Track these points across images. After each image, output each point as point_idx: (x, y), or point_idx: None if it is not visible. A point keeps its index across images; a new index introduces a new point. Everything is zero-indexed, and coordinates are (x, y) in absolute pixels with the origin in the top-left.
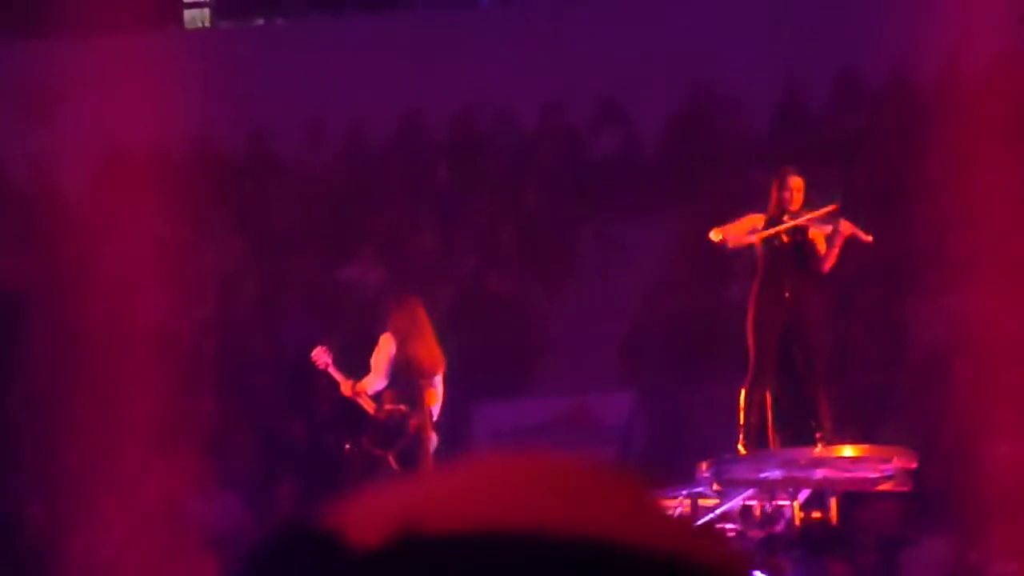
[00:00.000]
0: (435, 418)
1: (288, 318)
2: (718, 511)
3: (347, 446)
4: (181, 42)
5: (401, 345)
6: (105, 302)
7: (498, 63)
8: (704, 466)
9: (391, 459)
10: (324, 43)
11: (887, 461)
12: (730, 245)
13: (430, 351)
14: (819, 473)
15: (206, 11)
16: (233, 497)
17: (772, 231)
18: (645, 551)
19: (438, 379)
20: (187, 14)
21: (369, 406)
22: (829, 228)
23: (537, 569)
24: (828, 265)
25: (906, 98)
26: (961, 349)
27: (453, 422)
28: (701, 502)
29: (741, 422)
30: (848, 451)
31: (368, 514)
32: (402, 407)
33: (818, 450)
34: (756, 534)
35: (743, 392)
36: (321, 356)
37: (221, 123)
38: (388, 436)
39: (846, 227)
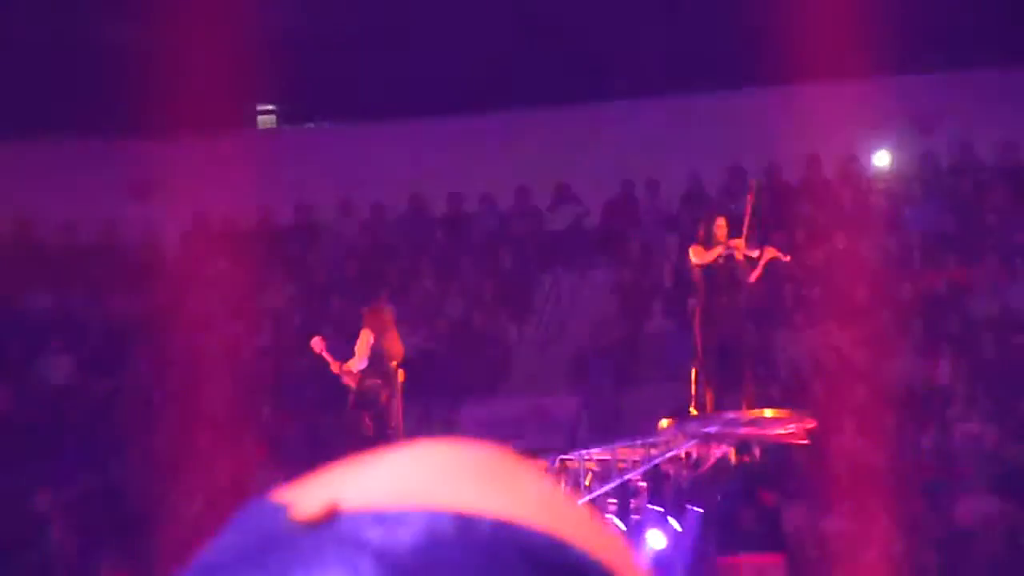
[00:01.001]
0: (400, 390)
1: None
2: (665, 456)
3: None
4: (252, 140)
5: (377, 338)
6: (191, 332)
7: (482, 161)
8: (667, 422)
9: (367, 419)
10: (355, 142)
11: (793, 421)
12: (697, 262)
13: (396, 344)
14: (746, 429)
15: (273, 116)
16: (284, 476)
17: (718, 252)
18: (536, 533)
19: (396, 364)
20: (259, 119)
21: (351, 380)
22: (756, 252)
23: (433, 539)
24: (755, 278)
25: (778, 187)
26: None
27: (447, 416)
28: (652, 451)
29: (692, 392)
30: (768, 413)
31: (308, 494)
32: (377, 381)
33: (748, 413)
34: (688, 474)
35: (693, 371)
36: (318, 343)
37: (278, 200)
38: (366, 402)
39: (770, 251)
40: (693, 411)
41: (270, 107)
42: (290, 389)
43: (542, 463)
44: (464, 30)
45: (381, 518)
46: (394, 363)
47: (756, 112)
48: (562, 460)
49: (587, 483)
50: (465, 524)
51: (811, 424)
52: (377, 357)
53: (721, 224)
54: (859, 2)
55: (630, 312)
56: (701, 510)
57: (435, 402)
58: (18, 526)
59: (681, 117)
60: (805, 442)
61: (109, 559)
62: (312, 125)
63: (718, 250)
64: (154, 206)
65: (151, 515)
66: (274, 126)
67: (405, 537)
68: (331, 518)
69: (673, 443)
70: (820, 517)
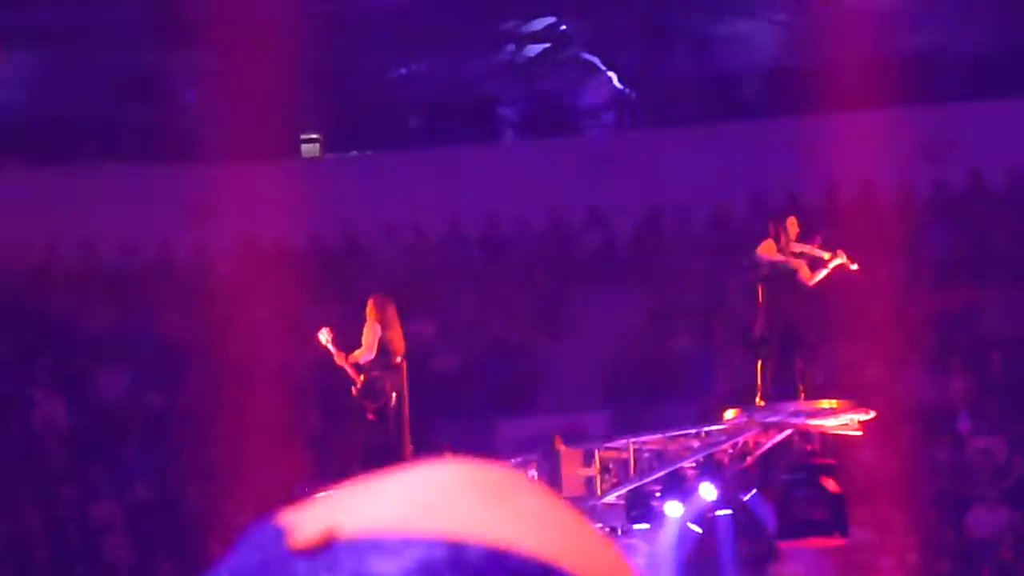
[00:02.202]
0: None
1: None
2: (722, 444)
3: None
4: (297, 168)
5: (384, 331)
6: (243, 346)
7: (517, 186)
8: (734, 412)
9: (371, 412)
10: (395, 169)
11: (851, 412)
12: (767, 258)
13: (400, 337)
14: (807, 419)
15: (317, 145)
16: (333, 483)
17: (790, 251)
18: (527, 560)
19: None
20: (303, 147)
21: (353, 374)
22: (828, 254)
23: (426, 568)
24: (815, 283)
25: (796, 214)
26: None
27: (484, 432)
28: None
29: (759, 384)
30: (828, 404)
31: (309, 519)
32: (382, 373)
33: (810, 403)
34: (745, 462)
35: (759, 364)
36: (325, 334)
37: (323, 224)
38: (371, 393)
39: (840, 254)
40: (760, 401)
41: (315, 136)
42: (336, 400)
43: (579, 452)
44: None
45: (376, 546)
46: (399, 357)
47: (779, 141)
48: (607, 448)
49: (634, 471)
50: (457, 552)
51: (869, 415)
52: (383, 349)
53: (793, 222)
54: (876, 37)
55: (657, 330)
56: (755, 495)
57: (472, 418)
58: (77, 536)
59: (707, 145)
60: (859, 433)
61: (165, 568)
62: (355, 153)
63: (791, 248)
64: (207, 229)
65: (205, 525)
66: (318, 155)
67: (399, 566)
68: (328, 545)
69: (734, 431)
70: None
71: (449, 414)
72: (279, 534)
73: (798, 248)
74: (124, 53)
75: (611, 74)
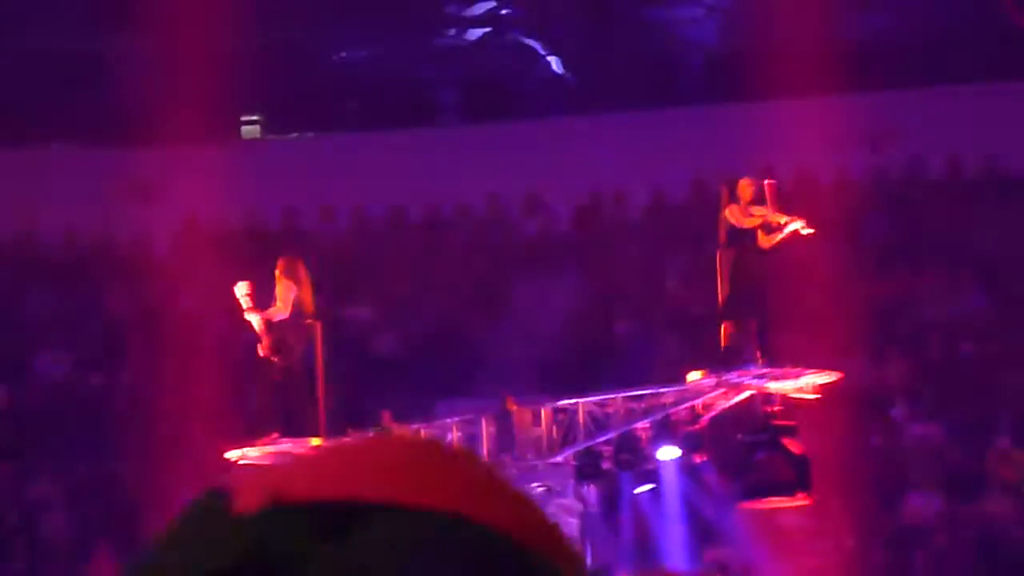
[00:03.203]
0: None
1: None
2: (681, 406)
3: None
4: (238, 150)
5: (297, 289)
6: (182, 326)
7: (458, 170)
8: (699, 374)
9: (279, 369)
10: (335, 152)
11: (815, 376)
12: (732, 222)
13: (310, 297)
14: (769, 381)
15: (258, 127)
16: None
17: (754, 215)
18: (461, 517)
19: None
20: (243, 129)
21: (261, 332)
22: (785, 219)
23: (368, 533)
24: (771, 246)
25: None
26: None
27: (425, 411)
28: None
29: (722, 346)
30: (788, 368)
31: (251, 485)
32: (290, 332)
33: (773, 366)
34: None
35: (721, 327)
36: (243, 287)
37: (264, 205)
38: (282, 351)
39: (796, 220)
40: (723, 363)
41: (256, 118)
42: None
43: (529, 411)
44: (432, 45)
45: (315, 509)
46: (309, 317)
47: (718, 127)
48: (556, 409)
49: (584, 431)
50: (396, 514)
51: (834, 378)
52: (296, 309)
53: (744, 184)
54: (815, 24)
55: (595, 315)
56: (705, 459)
57: (410, 401)
58: (16, 514)
59: (646, 130)
60: (815, 396)
61: (102, 546)
62: (296, 135)
63: (755, 212)
64: (149, 211)
65: (144, 504)
66: (259, 136)
67: (337, 526)
68: (270, 508)
69: (694, 393)
70: (775, 511)
71: (387, 397)
72: (224, 498)
73: (756, 211)
74: (65, 36)
75: (551, 59)
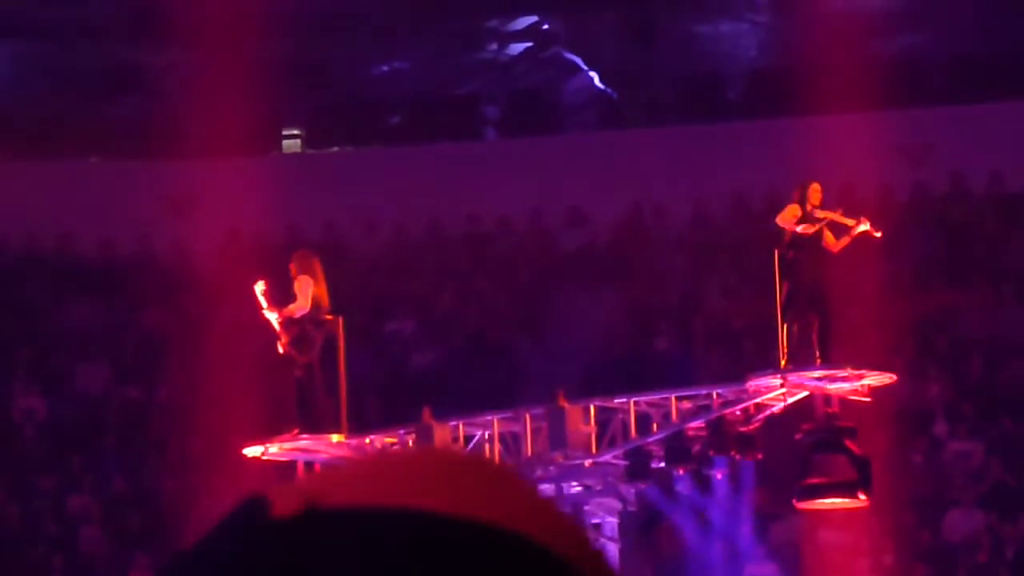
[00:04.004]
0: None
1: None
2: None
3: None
4: (279, 163)
5: (315, 284)
6: (222, 340)
7: (499, 184)
8: (759, 375)
9: (300, 366)
10: (376, 166)
11: (871, 378)
12: (791, 225)
13: (326, 293)
14: (826, 382)
15: (298, 140)
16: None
17: (817, 218)
18: (485, 527)
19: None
20: (284, 143)
21: (280, 329)
22: (852, 221)
23: (404, 540)
24: (840, 249)
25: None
26: None
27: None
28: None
29: (783, 348)
30: (849, 369)
31: (290, 491)
32: (310, 328)
33: (832, 367)
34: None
35: (784, 329)
36: (260, 285)
37: (304, 219)
38: (301, 347)
39: (864, 222)
40: (784, 364)
41: (296, 132)
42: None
43: (580, 409)
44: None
45: (351, 515)
46: (328, 314)
47: (759, 142)
48: (607, 408)
49: (633, 431)
50: (426, 521)
51: (890, 380)
52: (315, 304)
53: (816, 188)
54: (857, 40)
55: (636, 329)
56: (760, 458)
57: (451, 415)
58: (55, 527)
59: (688, 144)
60: (868, 399)
61: (139, 560)
62: (336, 149)
63: (817, 215)
64: (188, 223)
65: (181, 517)
66: (300, 150)
67: (372, 533)
68: (307, 514)
69: (752, 394)
70: (816, 527)
71: (427, 408)
72: (262, 506)
73: (822, 215)
74: (108, 48)
75: (593, 73)
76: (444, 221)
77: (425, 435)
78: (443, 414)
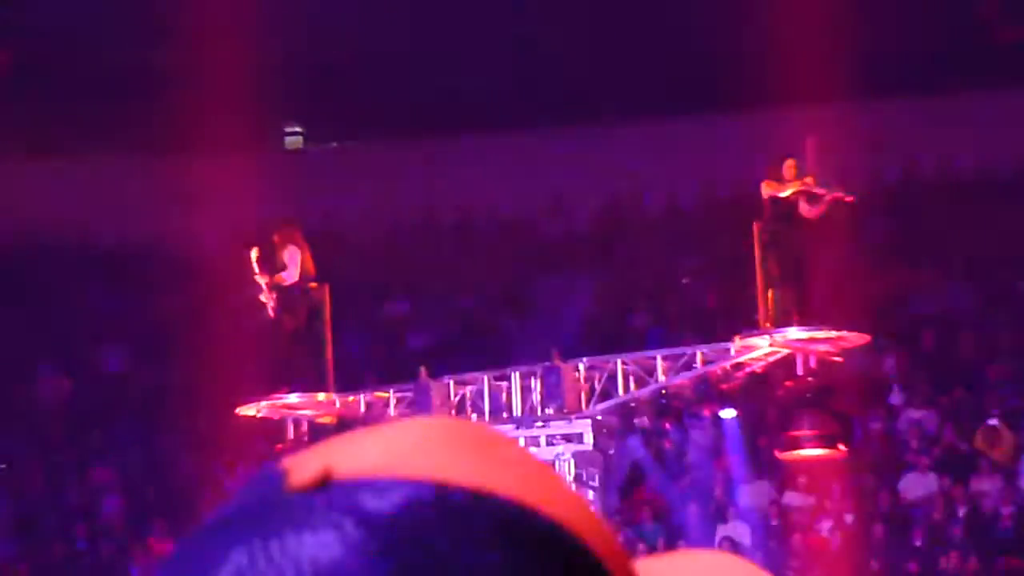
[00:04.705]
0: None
1: (346, 338)
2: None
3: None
4: (281, 158)
5: (300, 253)
6: (229, 323)
7: (486, 176)
8: (738, 338)
9: (289, 330)
10: (372, 160)
11: (848, 340)
12: (769, 194)
13: (311, 261)
14: (805, 343)
15: (300, 137)
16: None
17: (792, 187)
18: (507, 502)
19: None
20: (287, 139)
21: (268, 295)
22: (824, 190)
23: (414, 507)
24: (818, 213)
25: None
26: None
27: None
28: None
29: (768, 311)
30: (825, 332)
31: (307, 461)
32: (298, 295)
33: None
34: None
35: (768, 293)
36: (254, 252)
37: (305, 210)
38: (290, 311)
39: (837, 190)
40: (767, 325)
41: (298, 129)
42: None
43: (573, 367)
44: (474, 58)
45: (368, 485)
46: (313, 282)
47: (726, 135)
48: (597, 367)
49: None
50: (443, 493)
51: (863, 341)
52: (302, 273)
53: (790, 164)
54: (818, 41)
55: (613, 312)
56: (739, 415)
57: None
58: (77, 497)
59: (660, 139)
60: (840, 359)
61: (156, 527)
62: (335, 145)
63: (793, 185)
64: (197, 215)
65: (195, 487)
66: (301, 146)
67: (388, 503)
68: (324, 484)
69: (739, 352)
70: (782, 490)
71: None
72: (279, 476)
73: (800, 185)
74: (124, 52)
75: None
76: (436, 211)
77: (422, 392)
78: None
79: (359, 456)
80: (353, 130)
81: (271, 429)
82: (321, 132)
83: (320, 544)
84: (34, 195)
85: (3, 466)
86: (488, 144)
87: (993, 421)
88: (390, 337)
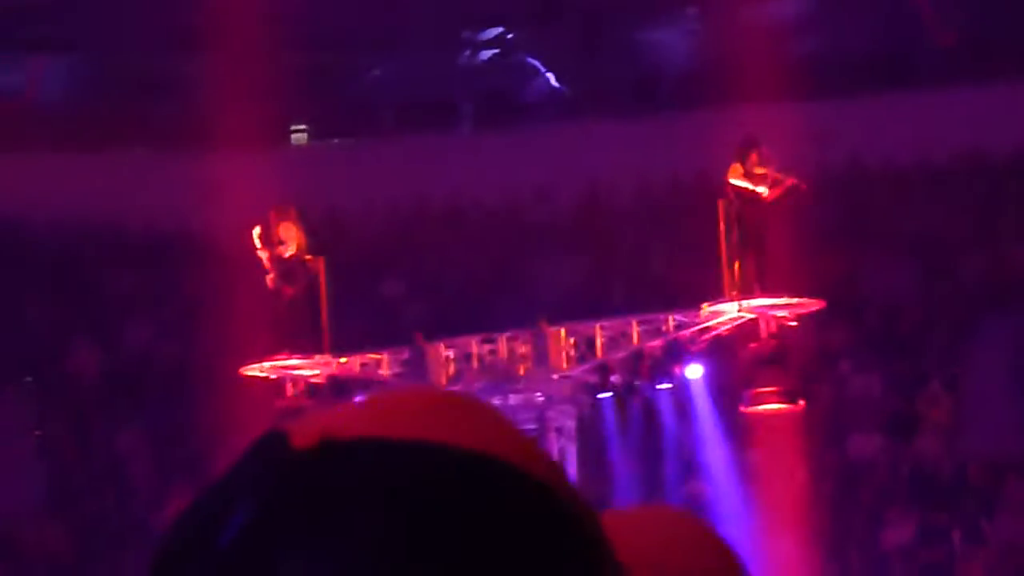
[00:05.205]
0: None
1: (347, 312)
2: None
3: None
4: (288, 154)
5: (297, 229)
6: (245, 303)
7: (474, 167)
8: (707, 305)
9: (288, 297)
10: (372, 155)
11: (802, 307)
12: (733, 179)
13: (305, 236)
14: (766, 309)
15: (305, 134)
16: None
17: (755, 173)
18: (481, 457)
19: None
20: (293, 136)
21: (268, 265)
22: (780, 176)
23: (410, 466)
24: (774, 196)
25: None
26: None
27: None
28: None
29: (735, 280)
30: (783, 299)
31: (307, 425)
32: (296, 265)
33: (774, 296)
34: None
35: (736, 265)
36: (257, 229)
37: (311, 201)
38: (289, 279)
39: (791, 179)
40: (732, 293)
41: (303, 127)
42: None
43: (559, 331)
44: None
45: (366, 446)
46: (309, 254)
47: (691, 130)
48: (578, 331)
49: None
50: (436, 452)
51: (819, 306)
52: (299, 246)
53: (752, 151)
54: (771, 42)
55: (592, 290)
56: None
57: None
58: (105, 462)
59: (631, 134)
60: (795, 324)
61: (179, 489)
62: (338, 141)
63: (757, 169)
64: (215, 206)
65: (214, 452)
66: (306, 142)
67: (388, 462)
68: (325, 446)
69: (708, 317)
70: (742, 449)
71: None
72: (282, 439)
73: (760, 171)
74: (149, 58)
75: (550, 75)
76: (429, 200)
77: (418, 353)
78: None
79: (354, 421)
80: (354, 127)
81: (272, 387)
82: (324, 129)
83: (320, 497)
84: (68, 188)
85: (39, 432)
86: (475, 140)
87: (933, 386)
88: (386, 313)
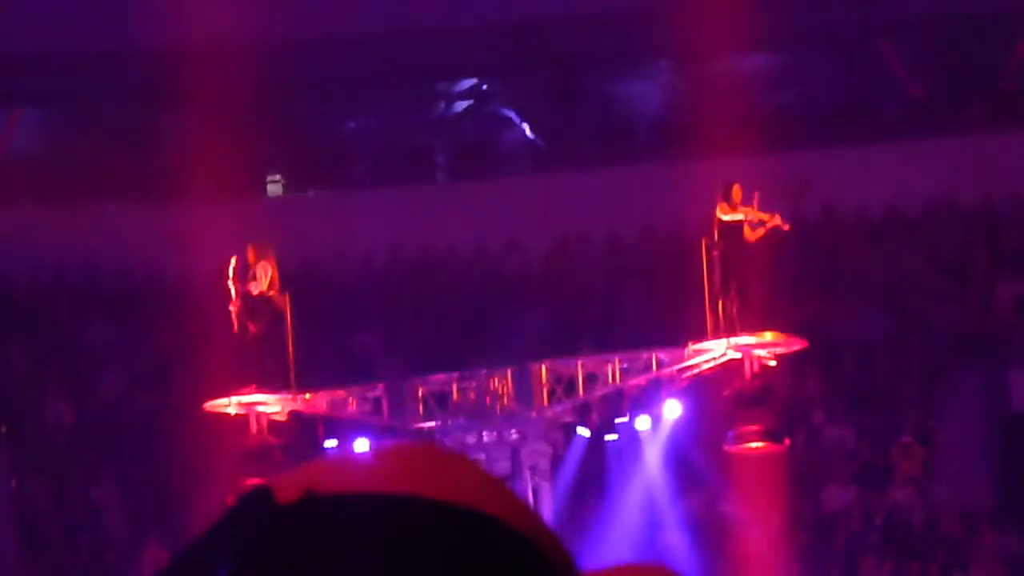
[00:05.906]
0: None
1: (319, 365)
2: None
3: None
4: (263, 205)
5: (271, 268)
6: (219, 354)
7: (447, 218)
8: (691, 344)
9: (253, 332)
10: (346, 206)
11: (786, 344)
12: (721, 217)
13: (278, 276)
14: (749, 347)
15: (280, 185)
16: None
17: (741, 214)
18: (462, 510)
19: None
20: (268, 187)
21: (234, 300)
22: (766, 216)
23: (393, 519)
24: (758, 236)
25: (682, 241)
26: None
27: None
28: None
29: (719, 319)
30: (768, 337)
31: (291, 479)
32: (263, 302)
33: (752, 337)
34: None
35: (720, 304)
36: (233, 262)
37: (285, 252)
38: (254, 314)
39: (775, 218)
40: (715, 334)
41: (278, 178)
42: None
43: (539, 368)
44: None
45: (347, 499)
46: (277, 292)
47: (663, 181)
48: (559, 368)
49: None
50: (413, 504)
51: (800, 346)
52: (270, 285)
53: (737, 189)
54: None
55: (562, 337)
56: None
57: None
58: (81, 512)
59: (603, 185)
60: (774, 363)
61: (153, 539)
62: (312, 192)
63: (741, 211)
64: (189, 257)
65: (188, 504)
66: (281, 193)
67: (367, 514)
68: (308, 500)
69: (690, 355)
70: (716, 501)
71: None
72: (267, 493)
73: (742, 210)
74: (122, 111)
75: (524, 126)
76: (402, 251)
77: (393, 391)
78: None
79: (336, 475)
80: (328, 178)
81: (237, 425)
82: (299, 180)
83: (304, 551)
84: (42, 238)
85: (14, 482)
86: (448, 190)
87: (906, 438)
88: (361, 362)
